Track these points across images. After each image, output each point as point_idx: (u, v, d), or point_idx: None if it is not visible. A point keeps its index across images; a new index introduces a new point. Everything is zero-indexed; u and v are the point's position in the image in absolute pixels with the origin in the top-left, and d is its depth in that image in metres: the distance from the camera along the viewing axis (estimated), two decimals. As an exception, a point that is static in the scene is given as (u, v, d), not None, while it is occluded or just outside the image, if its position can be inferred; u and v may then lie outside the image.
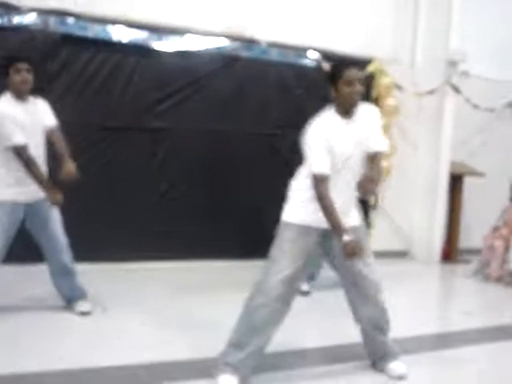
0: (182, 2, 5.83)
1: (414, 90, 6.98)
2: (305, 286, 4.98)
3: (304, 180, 3.07)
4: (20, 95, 3.78)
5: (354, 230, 3.07)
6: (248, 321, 2.98)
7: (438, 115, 7.10)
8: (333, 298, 4.33)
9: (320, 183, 2.94)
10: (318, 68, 6.26)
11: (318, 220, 2.97)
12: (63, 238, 3.98)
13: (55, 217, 3.94)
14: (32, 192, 3.79)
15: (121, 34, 5.50)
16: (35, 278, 4.46)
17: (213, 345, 3.18)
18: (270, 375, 3.16)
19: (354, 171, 3.06)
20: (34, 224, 3.92)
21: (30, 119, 3.78)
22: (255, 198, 5.94)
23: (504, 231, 6.29)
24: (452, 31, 6.91)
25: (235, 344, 2.98)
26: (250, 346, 2.95)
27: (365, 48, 6.64)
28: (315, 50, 6.34)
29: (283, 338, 3.28)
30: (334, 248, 3.09)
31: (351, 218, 3.15)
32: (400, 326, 3.52)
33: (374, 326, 3.25)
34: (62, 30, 5.24)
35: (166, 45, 5.71)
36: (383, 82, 6.76)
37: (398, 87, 6.88)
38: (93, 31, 5.36)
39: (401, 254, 7.24)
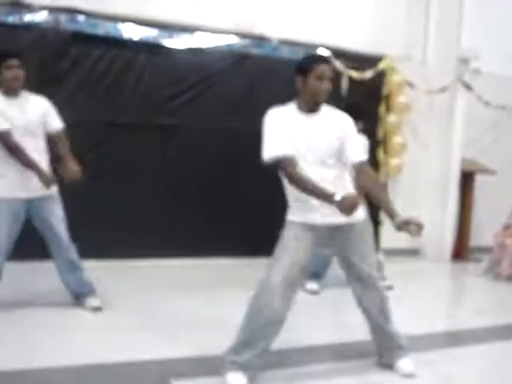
0: (192, -1, 5.84)
1: (426, 88, 6.94)
2: (315, 286, 4.99)
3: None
4: (11, 92, 3.77)
5: (359, 224, 3.07)
6: (253, 320, 2.94)
7: (450, 113, 7.06)
8: (340, 295, 4.33)
9: (286, 166, 2.83)
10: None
11: (322, 218, 2.95)
12: (65, 235, 3.97)
13: (58, 213, 3.94)
14: (33, 188, 3.79)
15: (131, 32, 5.52)
16: (44, 275, 4.46)
17: (219, 342, 3.18)
18: (276, 372, 3.16)
19: (330, 166, 2.95)
20: (36, 221, 3.92)
21: (21, 116, 3.75)
22: (264, 196, 5.92)
23: (515, 229, 6.26)
24: (463, 28, 6.86)
25: (242, 342, 2.96)
26: (257, 345, 2.93)
27: (376, 45, 6.64)
28: (326, 47, 6.30)
29: (290, 336, 3.28)
30: (339, 242, 3.09)
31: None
32: (410, 324, 3.52)
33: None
34: (72, 27, 5.28)
35: (176, 42, 5.72)
36: (394, 79, 6.74)
37: (410, 84, 6.84)
38: (103, 29, 5.39)
39: (412, 253, 7.21)
